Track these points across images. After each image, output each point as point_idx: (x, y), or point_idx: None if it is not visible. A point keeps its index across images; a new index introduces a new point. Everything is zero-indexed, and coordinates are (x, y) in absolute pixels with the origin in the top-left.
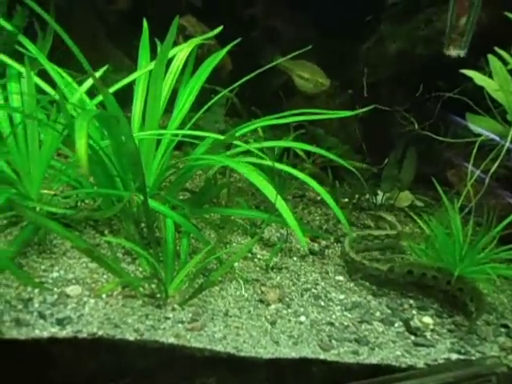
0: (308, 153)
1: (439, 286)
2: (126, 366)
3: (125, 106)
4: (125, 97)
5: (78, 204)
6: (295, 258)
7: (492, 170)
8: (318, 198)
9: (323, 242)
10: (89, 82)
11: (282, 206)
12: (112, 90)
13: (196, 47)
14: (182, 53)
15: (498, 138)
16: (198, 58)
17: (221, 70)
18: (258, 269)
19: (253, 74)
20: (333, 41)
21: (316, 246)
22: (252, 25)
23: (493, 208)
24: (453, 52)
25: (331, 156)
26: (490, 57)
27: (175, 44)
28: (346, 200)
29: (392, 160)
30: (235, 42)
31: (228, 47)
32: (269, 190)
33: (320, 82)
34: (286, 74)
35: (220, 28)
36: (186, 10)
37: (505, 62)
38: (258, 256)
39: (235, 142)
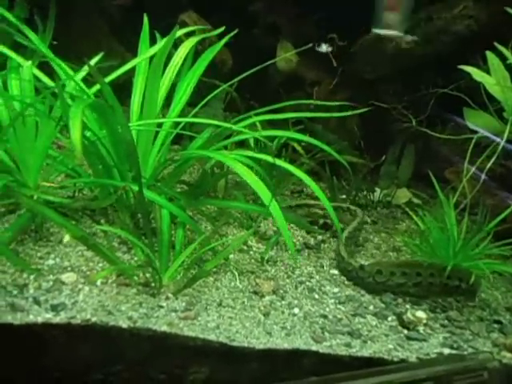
0: (306, 148)
1: (438, 281)
2: (119, 352)
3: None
4: (128, 92)
5: (76, 194)
6: (291, 252)
7: (487, 168)
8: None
9: (319, 237)
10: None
11: (274, 207)
12: (108, 79)
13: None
14: (182, 49)
15: (493, 137)
16: (199, 53)
17: (222, 65)
18: (253, 261)
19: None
20: (332, 37)
21: (312, 241)
22: (254, 21)
23: (489, 207)
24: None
25: (326, 148)
26: (488, 53)
27: (176, 39)
28: (344, 196)
29: (390, 157)
30: (232, 34)
31: (225, 39)
32: (258, 186)
33: (289, 59)
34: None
35: (222, 28)
36: (188, 5)
37: (503, 59)
38: (254, 249)
39: (239, 130)
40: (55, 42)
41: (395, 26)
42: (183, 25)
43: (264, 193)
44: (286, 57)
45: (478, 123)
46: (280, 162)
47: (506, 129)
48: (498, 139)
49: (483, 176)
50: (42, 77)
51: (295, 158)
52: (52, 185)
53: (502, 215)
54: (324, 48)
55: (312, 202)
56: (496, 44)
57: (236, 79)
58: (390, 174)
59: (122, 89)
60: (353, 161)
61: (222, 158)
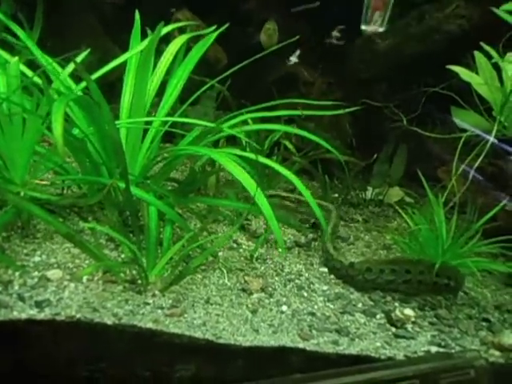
0: (298, 147)
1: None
2: (104, 349)
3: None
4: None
5: (64, 191)
6: (280, 250)
7: (475, 166)
8: (309, 191)
9: (310, 235)
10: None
11: (265, 205)
12: (96, 76)
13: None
14: (172, 46)
15: (483, 134)
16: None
17: (216, 63)
18: (242, 259)
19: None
20: (325, 37)
21: (303, 239)
22: (248, 20)
23: (480, 206)
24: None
25: (323, 142)
26: (476, 53)
27: (170, 37)
28: (336, 195)
29: (383, 156)
30: (223, 28)
31: (215, 34)
32: (249, 183)
33: (267, 28)
34: (281, 69)
35: (214, 27)
36: (182, 3)
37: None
38: (244, 247)
39: (224, 129)
40: (48, 44)
41: (379, 23)
42: (177, 22)
43: (254, 189)
44: (267, 28)
45: (466, 122)
46: (265, 160)
47: (494, 127)
48: (488, 137)
49: (471, 174)
50: (30, 74)
51: (287, 156)
52: (40, 182)
53: (491, 213)
54: (293, 59)
55: (284, 194)
56: (482, 44)
57: (223, 75)
58: (382, 173)
59: (114, 86)
60: (345, 159)
61: (210, 153)
